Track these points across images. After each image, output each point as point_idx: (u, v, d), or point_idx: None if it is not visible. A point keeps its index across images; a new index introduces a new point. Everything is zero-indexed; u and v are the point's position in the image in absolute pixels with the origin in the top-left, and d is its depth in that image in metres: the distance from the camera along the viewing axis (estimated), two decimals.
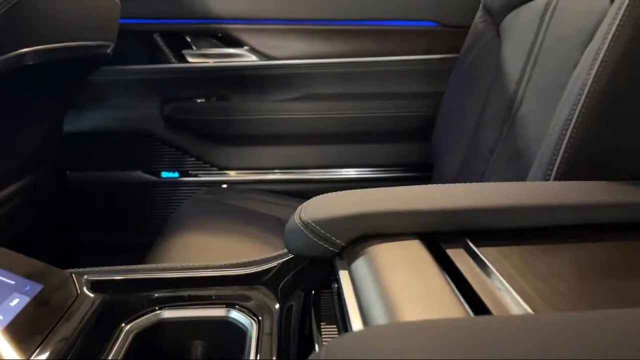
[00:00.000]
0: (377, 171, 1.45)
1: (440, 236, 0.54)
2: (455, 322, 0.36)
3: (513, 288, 0.44)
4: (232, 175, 1.47)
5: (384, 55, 1.41)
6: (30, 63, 0.87)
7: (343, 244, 0.55)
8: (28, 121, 1.11)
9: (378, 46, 1.42)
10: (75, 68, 1.16)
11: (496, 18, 1.15)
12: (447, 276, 0.46)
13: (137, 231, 1.46)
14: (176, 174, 1.46)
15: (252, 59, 1.42)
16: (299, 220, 0.57)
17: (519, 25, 1.04)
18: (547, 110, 0.77)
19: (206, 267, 0.69)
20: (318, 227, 0.55)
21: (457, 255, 0.50)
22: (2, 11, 0.75)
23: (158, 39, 1.41)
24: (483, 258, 0.49)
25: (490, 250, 0.50)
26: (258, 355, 0.59)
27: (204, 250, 1.02)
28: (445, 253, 0.51)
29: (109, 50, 1.18)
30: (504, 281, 0.45)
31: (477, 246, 0.51)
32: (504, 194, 0.61)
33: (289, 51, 1.41)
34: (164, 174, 1.46)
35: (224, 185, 1.45)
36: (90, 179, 1.45)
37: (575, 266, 0.51)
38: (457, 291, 0.44)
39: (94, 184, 1.46)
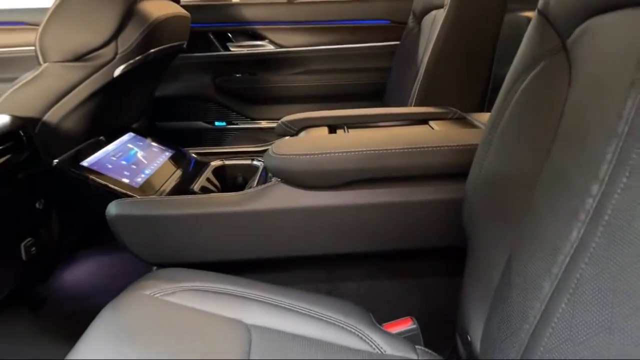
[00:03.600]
0: None
1: None
2: None
3: None
4: (263, 124, 2.10)
5: (355, 43, 2.03)
6: (151, 58, 1.52)
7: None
8: (139, 90, 1.78)
9: (351, 37, 2.04)
10: (166, 57, 1.81)
11: (419, 18, 1.77)
12: None
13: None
14: (224, 123, 2.11)
15: (270, 48, 2.05)
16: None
17: (427, 23, 1.66)
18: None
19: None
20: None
21: None
22: (146, 32, 1.41)
23: (211, 36, 2.05)
24: None
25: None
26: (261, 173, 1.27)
27: None
28: None
29: (184, 46, 1.83)
30: None
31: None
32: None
33: (293, 42, 2.04)
34: (216, 123, 2.12)
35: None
36: (170, 127, 2.10)
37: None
38: None
39: (172, 130, 2.11)
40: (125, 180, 1.24)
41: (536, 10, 0.75)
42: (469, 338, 0.76)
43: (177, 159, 1.48)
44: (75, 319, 1.18)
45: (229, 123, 2.10)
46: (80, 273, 1.60)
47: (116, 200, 0.98)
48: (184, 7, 1.76)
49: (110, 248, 1.64)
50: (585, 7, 0.64)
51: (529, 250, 0.65)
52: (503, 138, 0.76)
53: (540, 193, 0.66)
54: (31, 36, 1.98)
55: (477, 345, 0.73)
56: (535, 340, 0.58)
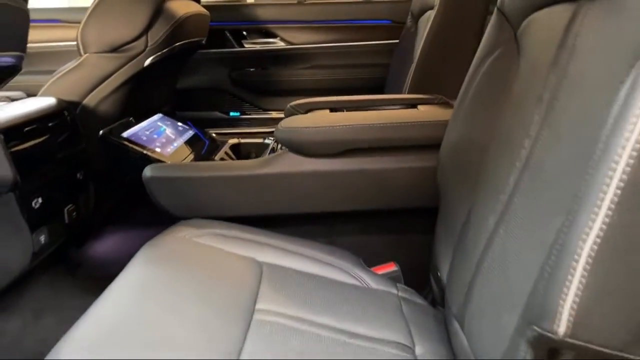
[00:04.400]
0: None
1: None
2: None
3: None
4: (273, 114, 2.27)
5: (358, 41, 2.20)
6: (176, 51, 1.71)
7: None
8: (164, 79, 1.96)
9: (355, 35, 2.20)
10: (186, 52, 1.99)
11: (416, 18, 1.93)
12: None
13: None
14: (238, 113, 2.29)
15: (281, 45, 2.23)
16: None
17: (422, 23, 1.83)
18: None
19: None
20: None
21: None
22: (172, 27, 1.58)
23: (227, 33, 2.23)
24: None
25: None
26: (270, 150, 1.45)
27: None
28: None
29: (203, 42, 2.00)
30: None
31: None
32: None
33: (302, 39, 2.21)
34: (231, 113, 2.29)
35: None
36: (189, 116, 2.27)
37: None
38: None
39: (191, 119, 2.29)
40: (158, 150, 1.42)
41: (495, 7, 0.91)
42: (439, 274, 0.93)
43: (199, 137, 1.67)
44: (107, 282, 1.36)
45: (242, 113, 2.28)
46: (109, 245, 1.77)
47: (151, 165, 1.16)
48: (203, 6, 1.94)
49: (136, 225, 1.81)
50: (529, 4, 0.81)
51: (481, 196, 0.81)
52: (467, 111, 0.93)
53: (492, 152, 0.82)
54: (65, 32, 2.18)
55: (444, 277, 0.90)
56: (482, 261, 0.75)
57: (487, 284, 0.71)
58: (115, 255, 1.72)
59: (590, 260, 0.45)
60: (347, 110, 1.30)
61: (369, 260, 1.05)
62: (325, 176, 1.11)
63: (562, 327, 0.47)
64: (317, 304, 0.83)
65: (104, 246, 1.76)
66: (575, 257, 0.46)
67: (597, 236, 0.45)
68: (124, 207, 1.86)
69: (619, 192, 0.44)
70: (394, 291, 0.97)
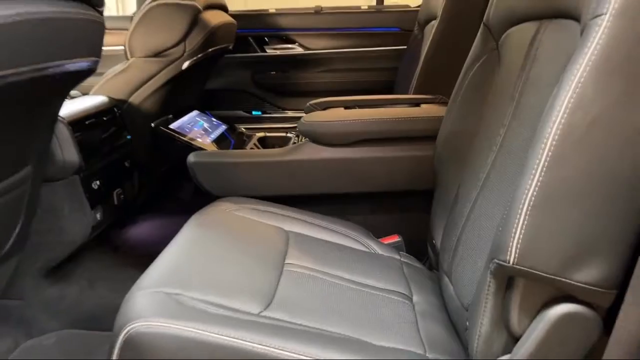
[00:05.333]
0: None
1: None
2: None
3: None
4: (291, 113, 2.46)
5: (370, 47, 2.38)
6: (209, 56, 1.90)
7: None
8: (198, 81, 2.16)
9: (367, 42, 2.39)
10: (216, 56, 2.18)
11: (423, 26, 2.11)
12: None
13: None
14: (259, 112, 2.48)
15: (300, 50, 2.42)
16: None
17: (428, 30, 2.00)
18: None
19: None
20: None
21: None
22: (207, 35, 1.78)
23: (251, 40, 2.43)
24: None
25: None
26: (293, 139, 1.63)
27: None
28: None
29: (230, 47, 2.20)
30: None
31: None
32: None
33: (319, 45, 2.40)
34: (253, 112, 2.48)
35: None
36: (216, 115, 2.48)
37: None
38: None
39: (217, 117, 2.49)
40: (199, 139, 1.62)
41: (482, 23, 1.10)
42: (434, 242, 1.12)
43: (231, 131, 1.87)
44: (146, 259, 1.56)
45: (263, 112, 2.47)
46: (146, 229, 1.98)
47: (194, 152, 1.36)
48: (230, 15, 2.14)
49: (168, 213, 2.02)
50: (507, 21, 0.99)
51: (467, 175, 1.00)
52: (458, 108, 1.11)
53: (476, 140, 1.01)
54: (109, 39, 2.38)
55: (438, 244, 1.09)
56: (465, 226, 0.93)
57: (467, 241, 0.90)
58: (150, 238, 1.92)
59: (530, 206, 0.63)
60: (359, 108, 1.49)
61: (376, 233, 1.24)
62: (340, 162, 1.30)
63: (512, 256, 0.66)
64: (333, 262, 1.02)
65: (142, 230, 1.97)
66: (521, 204, 0.64)
67: (535, 189, 0.63)
68: (157, 198, 2.06)
69: (548, 159, 0.62)
70: (397, 257, 1.15)
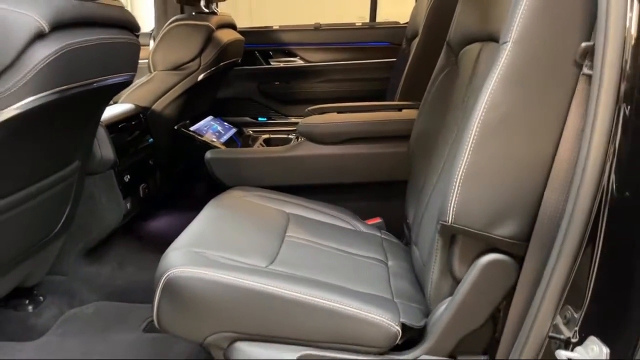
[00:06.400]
0: None
1: None
2: None
3: None
4: (292, 119, 2.70)
5: (363, 60, 2.62)
6: (221, 69, 2.15)
7: None
8: (211, 91, 2.39)
9: (361, 55, 2.63)
10: (227, 69, 2.42)
11: (410, 41, 2.35)
12: None
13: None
14: (264, 118, 2.72)
15: (301, 63, 2.67)
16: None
17: (413, 45, 2.24)
18: None
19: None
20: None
21: None
22: (219, 51, 2.02)
23: (257, 54, 2.67)
24: None
25: None
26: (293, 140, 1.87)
27: None
28: None
29: (239, 61, 2.44)
30: None
31: None
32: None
33: (318, 58, 2.64)
34: (259, 118, 2.72)
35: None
36: (227, 120, 2.72)
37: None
38: None
39: (228, 122, 2.73)
40: (215, 140, 1.87)
41: (446, 42, 1.33)
42: (408, 221, 1.35)
43: (239, 134, 2.12)
44: (166, 246, 1.79)
45: (268, 118, 2.71)
46: (165, 221, 2.21)
47: (211, 149, 1.60)
48: (239, 31, 2.39)
49: (185, 208, 2.25)
50: (462, 42, 1.22)
51: (431, 165, 1.23)
52: (427, 111, 1.35)
53: (440, 137, 1.24)
54: None
55: (410, 221, 1.31)
56: (428, 203, 1.16)
57: (428, 215, 1.13)
58: (169, 228, 2.15)
59: (462, 179, 0.86)
60: (350, 113, 1.73)
61: (362, 216, 1.47)
62: (332, 158, 1.54)
63: (450, 217, 0.88)
64: (325, 236, 1.25)
65: (161, 223, 2.20)
66: (455, 178, 0.87)
67: (464, 167, 0.86)
68: (174, 194, 2.29)
69: (472, 145, 0.85)
70: (378, 234, 1.38)
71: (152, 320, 1.56)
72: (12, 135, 0.97)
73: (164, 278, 0.94)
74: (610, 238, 0.69)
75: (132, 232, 1.98)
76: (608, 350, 0.67)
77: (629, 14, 0.69)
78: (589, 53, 0.76)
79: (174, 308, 0.94)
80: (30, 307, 1.54)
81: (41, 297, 1.58)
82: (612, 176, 0.69)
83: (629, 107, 0.67)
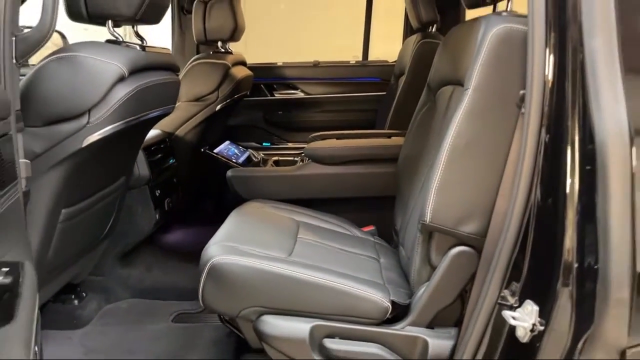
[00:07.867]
0: None
1: None
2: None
3: None
4: (290, 144, 2.97)
5: (356, 93, 2.93)
6: (235, 100, 2.42)
7: None
8: (226, 119, 2.66)
9: (354, 88, 2.93)
10: (239, 100, 2.68)
11: (397, 77, 2.65)
12: None
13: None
14: (269, 143, 3.00)
15: (301, 95, 2.96)
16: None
17: (401, 81, 2.54)
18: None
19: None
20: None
21: None
22: (235, 85, 2.30)
23: (263, 86, 2.97)
24: None
25: None
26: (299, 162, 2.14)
27: None
28: None
29: (248, 93, 2.72)
30: None
31: None
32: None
33: (317, 91, 2.94)
34: (264, 143, 3.00)
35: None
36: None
37: None
38: None
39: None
40: (234, 160, 2.15)
41: (426, 83, 1.63)
42: (396, 228, 1.62)
43: (250, 160, 2.40)
44: (185, 256, 2.05)
45: (272, 143, 2.99)
46: (185, 233, 2.45)
47: (231, 169, 1.88)
48: (248, 67, 2.68)
49: (202, 223, 2.50)
50: (438, 84, 1.51)
51: (414, 183, 1.51)
52: (412, 138, 1.63)
53: (421, 160, 1.52)
54: None
55: (398, 228, 1.58)
56: (412, 210, 1.43)
57: (411, 221, 1.40)
58: (188, 240, 2.40)
59: (436, 188, 1.14)
60: (347, 139, 2.01)
61: (359, 224, 1.74)
62: (334, 176, 1.83)
63: (428, 218, 1.15)
64: (328, 238, 1.52)
65: (182, 235, 2.44)
66: (432, 187, 1.14)
67: (438, 180, 1.13)
68: (193, 211, 2.55)
69: (444, 163, 1.13)
70: (371, 239, 1.65)
71: (180, 313, 1.82)
72: (92, 155, 1.24)
73: (208, 265, 1.19)
74: (537, 232, 0.96)
75: (156, 241, 2.22)
76: (537, 308, 0.94)
77: (546, 67, 0.95)
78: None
79: (216, 288, 1.20)
80: (75, 302, 1.77)
81: (84, 293, 1.82)
82: (539, 187, 0.96)
83: (548, 135, 0.95)
